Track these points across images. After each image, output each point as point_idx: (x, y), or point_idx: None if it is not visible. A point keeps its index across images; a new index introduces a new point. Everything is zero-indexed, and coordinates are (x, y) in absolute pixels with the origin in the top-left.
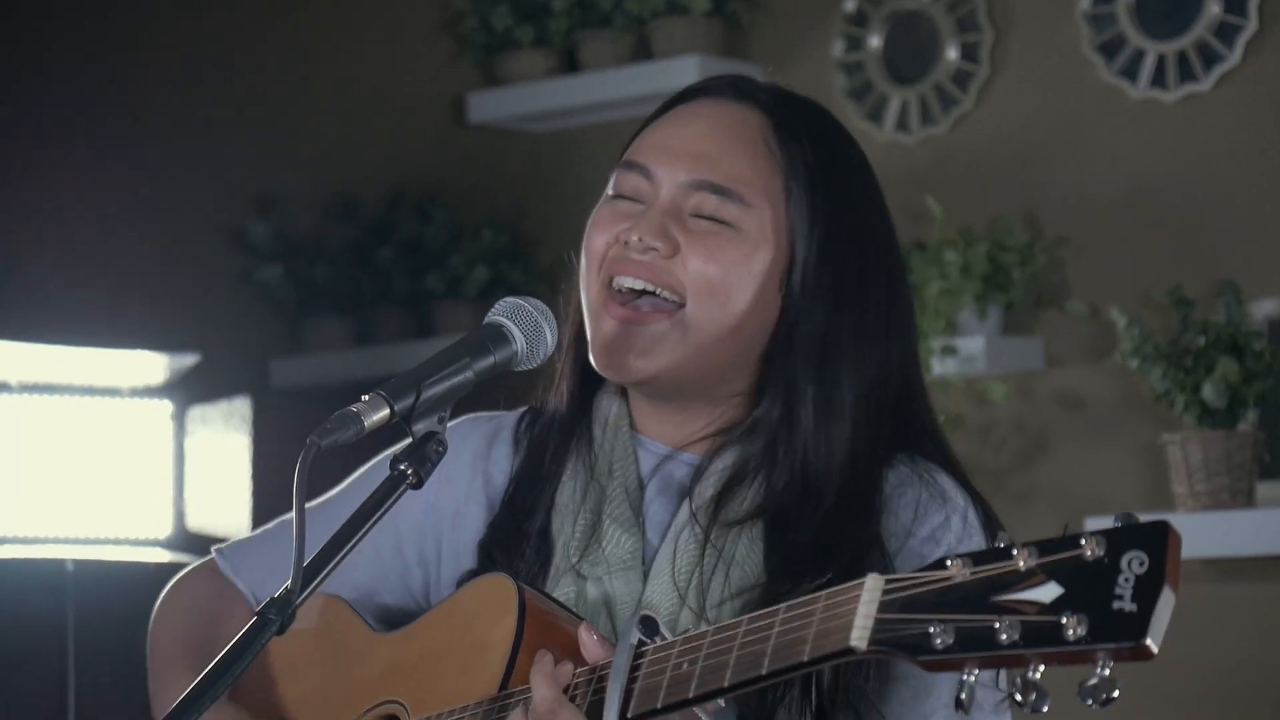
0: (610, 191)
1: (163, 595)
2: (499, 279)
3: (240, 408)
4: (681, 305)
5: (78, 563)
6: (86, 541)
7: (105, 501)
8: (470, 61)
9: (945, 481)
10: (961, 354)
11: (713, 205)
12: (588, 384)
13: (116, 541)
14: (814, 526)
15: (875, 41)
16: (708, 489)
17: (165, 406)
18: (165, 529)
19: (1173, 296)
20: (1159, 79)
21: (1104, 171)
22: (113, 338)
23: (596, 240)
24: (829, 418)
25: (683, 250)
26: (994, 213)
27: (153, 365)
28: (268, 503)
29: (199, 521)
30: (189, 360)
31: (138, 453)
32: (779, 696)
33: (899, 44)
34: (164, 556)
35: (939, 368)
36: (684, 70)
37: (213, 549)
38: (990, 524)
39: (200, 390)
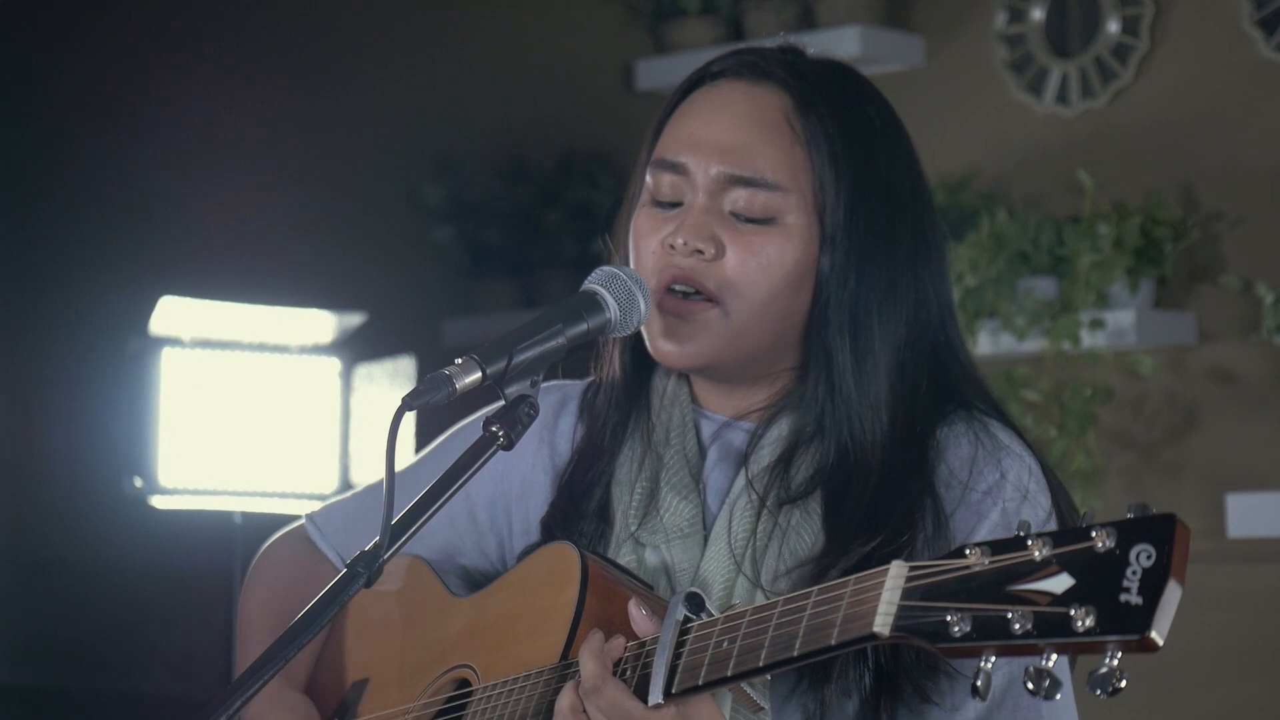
0: (648, 195)
1: (253, 564)
2: None
3: (405, 367)
4: (722, 299)
5: (245, 515)
6: (254, 494)
7: (273, 456)
8: (639, 29)
9: (1002, 435)
10: (1111, 327)
11: (748, 199)
12: (641, 359)
13: (283, 495)
14: (867, 491)
15: (1037, 14)
16: (764, 456)
17: (333, 364)
18: (331, 483)
19: None
20: None
21: (1261, 146)
22: (283, 296)
23: (643, 246)
24: (869, 383)
25: (726, 251)
26: (1150, 187)
27: (322, 323)
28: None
29: (363, 477)
30: (357, 319)
31: (305, 408)
32: (832, 673)
33: (1060, 17)
34: (304, 518)
35: (1088, 340)
36: (847, 39)
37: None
38: (1049, 475)
39: (367, 349)
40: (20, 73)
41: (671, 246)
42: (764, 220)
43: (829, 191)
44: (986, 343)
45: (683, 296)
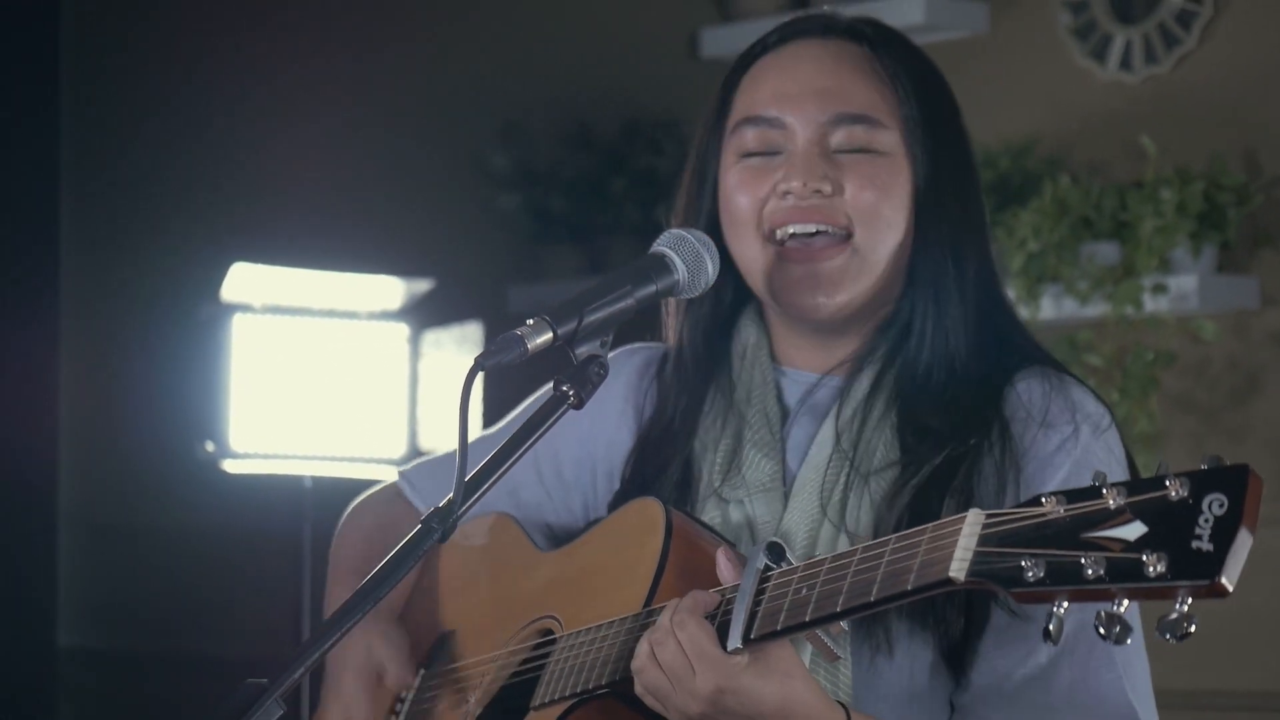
0: (733, 155)
1: (347, 512)
2: None
3: (472, 332)
4: (850, 235)
5: (315, 479)
6: (324, 459)
7: (342, 421)
8: None
9: (1076, 393)
10: (1173, 291)
11: (858, 135)
12: (720, 319)
13: (352, 459)
14: (948, 412)
15: None
16: (851, 409)
17: (401, 330)
18: (399, 449)
19: None
20: None
21: None
22: (352, 262)
23: (743, 201)
24: (965, 312)
25: (844, 186)
26: (1212, 152)
27: (390, 290)
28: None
29: (431, 442)
30: (424, 285)
31: (374, 374)
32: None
33: None
34: (392, 480)
35: (1150, 305)
36: (912, 7)
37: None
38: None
39: (435, 315)
40: (91, 42)
41: (786, 193)
42: (869, 151)
43: (916, 127)
44: (1049, 307)
45: (803, 242)
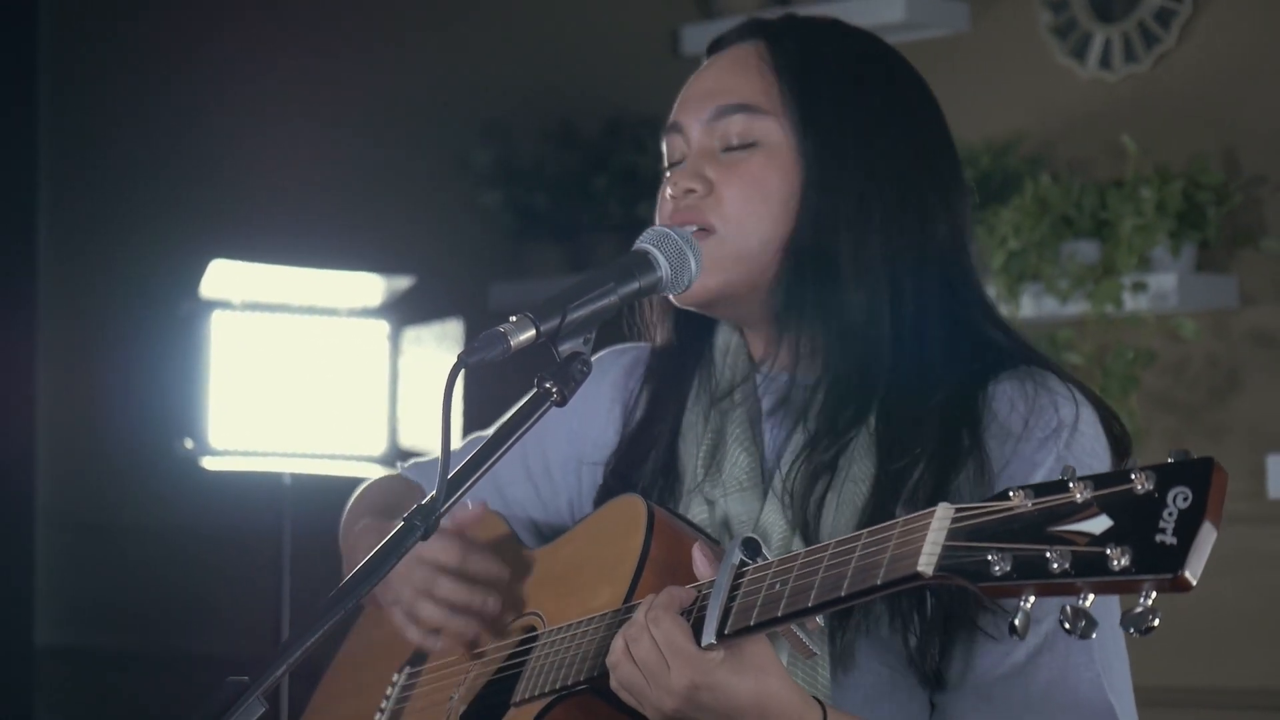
0: (665, 162)
1: (352, 498)
2: None
3: (453, 330)
4: (713, 226)
5: (295, 477)
6: (304, 456)
7: (322, 418)
8: None
9: (1057, 386)
10: (1153, 290)
11: (737, 125)
12: (700, 318)
13: (333, 457)
14: (915, 417)
15: None
16: (815, 407)
17: (382, 327)
18: (379, 446)
19: None
20: None
21: None
22: (332, 259)
23: (661, 209)
24: (917, 310)
25: (716, 183)
26: (1192, 151)
27: (370, 286)
28: (478, 421)
29: (411, 439)
30: (405, 282)
31: (354, 371)
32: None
33: None
34: (377, 472)
35: (1130, 303)
36: (892, 5)
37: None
38: (1109, 422)
39: (415, 312)
40: (70, 38)
41: (674, 198)
42: (748, 145)
43: (801, 110)
44: (1029, 306)
45: None
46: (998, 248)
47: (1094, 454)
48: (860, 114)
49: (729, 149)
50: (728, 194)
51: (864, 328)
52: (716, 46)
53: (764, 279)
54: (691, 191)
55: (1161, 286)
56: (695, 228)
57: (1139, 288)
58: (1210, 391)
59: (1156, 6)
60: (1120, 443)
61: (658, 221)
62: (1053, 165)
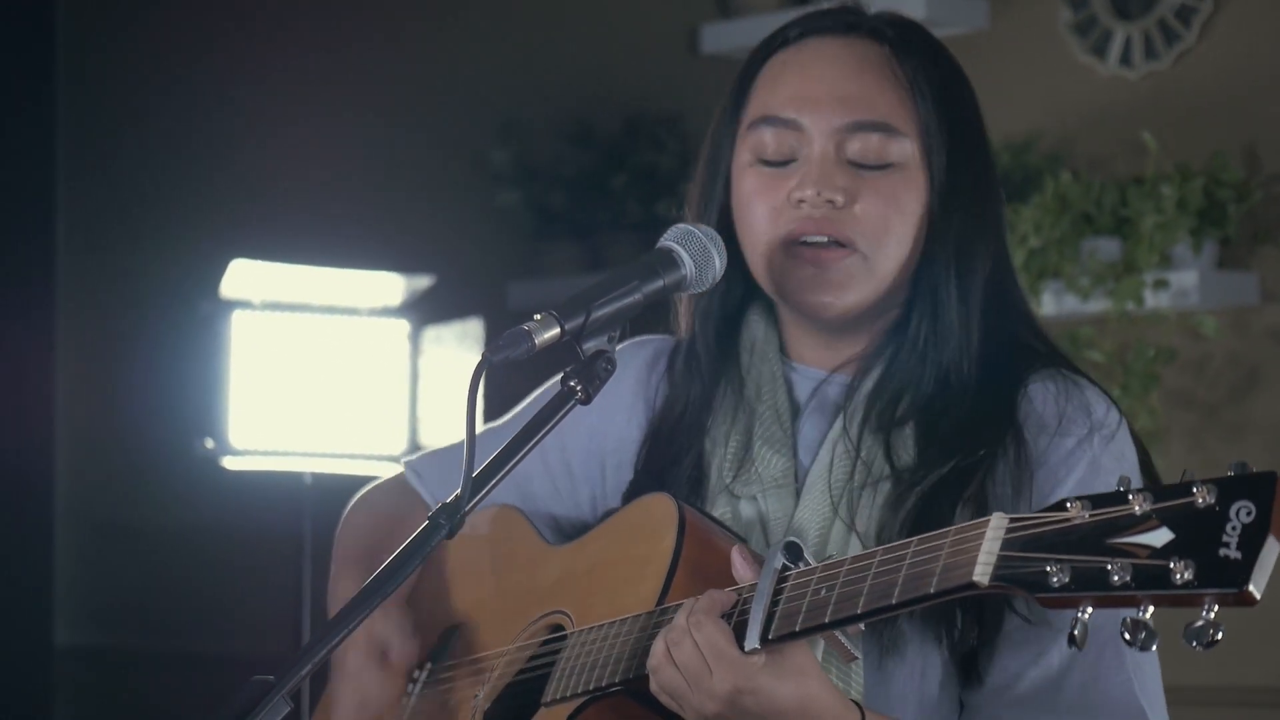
0: (750, 155)
1: (352, 502)
2: None
3: (473, 328)
4: (859, 246)
5: (316, 476)
6: (324, 455)
7: (342, 417)
8: None
9: (1088, 395)
10: (1174, 288)
11: (874, 143)
12: (729, 314)
13: (353, 456)
14: (959, 420)
15: None
16: (859, 406)
17: (402, 326)
18: (400, 445)
19: None
20: None
21: None
22: (352, 258)
23: (759, 209)
24: (969, 317)
25: (857, 199)
26: (1213, 148)
27: (390, 286)
28: (493, 417)
29: (431, 438)
30: (425, 281)
31: (374, 370)
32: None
33: None
34: (397, 471)
35: (1151, 301)
36: (911, 4)
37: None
38: (1133, 433)
39: (435, 311)
40: (88, 36)
41: (801, 201)
42: (885, 165)
43: (934, 134)
44: (1050, 303)
45: (812, 247)
46: (1018, 246)
47: (1125, 457)
48: (969, 132)
49: (862, 164)
50: (871, 212)
51: (930, 339)
52: (822, 28)
53: (891, 298)
54: (830, 202)
55: (1182, 284)
56: (827, 239)
57: (1160, 285)
58: (1231, 389)
59: (1177, 4)
60: (1144, 450)
61: (742, 221)
62: (1073, 163)
